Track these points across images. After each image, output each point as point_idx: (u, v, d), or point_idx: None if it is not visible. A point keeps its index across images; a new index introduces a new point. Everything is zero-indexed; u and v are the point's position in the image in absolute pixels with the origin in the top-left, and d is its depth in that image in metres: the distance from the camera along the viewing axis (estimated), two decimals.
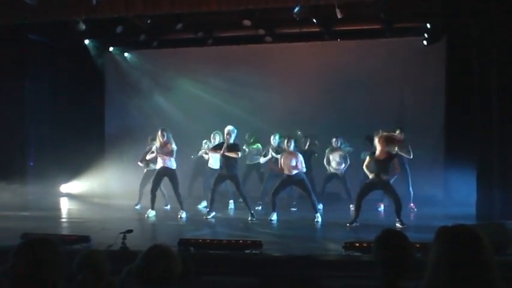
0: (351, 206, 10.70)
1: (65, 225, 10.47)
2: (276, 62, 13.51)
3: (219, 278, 6.15)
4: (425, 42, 12.72)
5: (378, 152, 9.20)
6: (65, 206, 13.01)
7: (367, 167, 9.41)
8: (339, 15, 9.71)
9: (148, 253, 2.89)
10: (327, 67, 13.26)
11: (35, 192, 13.16)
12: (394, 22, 12.16)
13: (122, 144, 13.99)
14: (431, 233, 2.33)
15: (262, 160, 11.39)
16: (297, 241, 8.58)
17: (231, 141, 10.05)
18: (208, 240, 7.47)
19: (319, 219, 9.76)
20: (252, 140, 11.92)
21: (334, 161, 11.32)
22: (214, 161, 11.14)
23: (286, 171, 9.90)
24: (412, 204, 10.87)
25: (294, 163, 9.79)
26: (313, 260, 6.93)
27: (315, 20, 11.72)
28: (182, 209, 10.35)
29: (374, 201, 10.95)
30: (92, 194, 13.73)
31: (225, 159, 10.06)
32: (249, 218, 9.97)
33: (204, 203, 11.48)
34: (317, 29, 12.59)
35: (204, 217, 10.24)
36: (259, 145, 11.82)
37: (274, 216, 9.92)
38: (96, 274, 3.41)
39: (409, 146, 10.41)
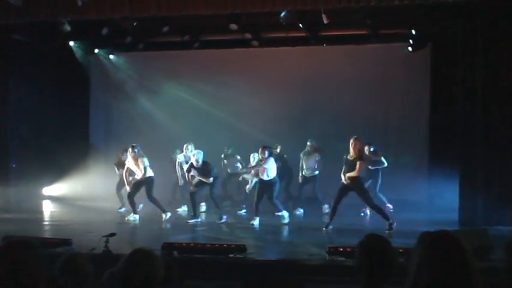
0: (325, 206, 10.99)
1: (47, 228, 10.38)
2: (262, 66, 13.52)
3: (202, 282, 6.13)
4: (410, 49, 12.82)
5: (350, 154, 9.29)
6: (48, 209, 12.89)
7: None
8: (325, 21, 9.76)
9: (131, 257, 2.86)
10: (313, 72, 13.31)
11: (18, 194, 13.01)
12: (379, 28, 12.23)
13: (106, 146, 13.91)
14: (414, 238, 2.34)
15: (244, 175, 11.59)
16: (281, 245, 8.60)
17: (200, 164, 10.24)
18: (191, 244, 7.45)
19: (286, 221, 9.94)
20: (230, 151, 12.34)
21: (307, 166, 11.35)
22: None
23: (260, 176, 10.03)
24: (388, 205, 10.94)
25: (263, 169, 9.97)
26: (296, 264, 6.94)
27: (301, 25, 11.75)
28: (164, 212, 10.40)
29: (358, 206, 10.98)
30: (75, 196, 13.62)
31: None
32: (219, 220, 10.17)
33: (184, 207, 11.51)
34: (303, 34, 12.63)
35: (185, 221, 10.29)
36: (237, 156, 12.09)
37: (256, 221, 9.94)
38: (78, 278, 3.38)
39: (381, 157, 10.98)
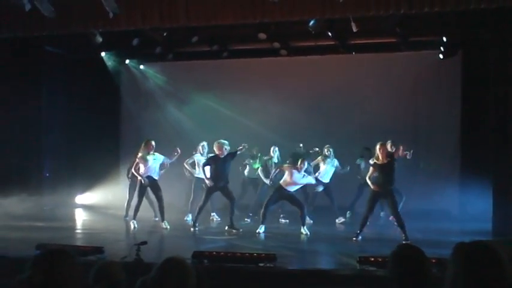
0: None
1: (79, 236, 10.52)
2: (291, 75, 13.51)
3: None
4: (441, 56, 12.64)
5: (380, 159, 9.22)
6: (80, 217, 13.08)
7: (369, 177, 9.42)
8: (354, 29, 9.71)
9: (164, 265, 2.88)
10: (342, 80, 13.25)
11: (50, 203, 13.26)
12: (409, 36, 12.12)
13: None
14: (447, 248, 2.31)
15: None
16: (311, 255, 8.55)
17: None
18: (222, 253, 7.46)
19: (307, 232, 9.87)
20: (259, 157, 12.17)
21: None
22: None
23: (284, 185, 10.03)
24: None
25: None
26: (327, 274, 6.89)
27: (330, 34, 11.73)
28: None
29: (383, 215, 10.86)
30: (106, 205, 13.78)
31: (221, 171, 10.31)
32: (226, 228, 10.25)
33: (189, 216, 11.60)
34: (332, 43, 12.59)
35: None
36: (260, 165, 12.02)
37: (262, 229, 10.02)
38: (112, 286, 3.41)
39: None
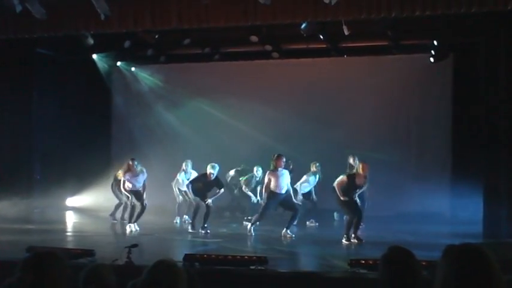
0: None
1: (70, 238, 10.47)
2: (283, 77, 13.53)
3: None
4: (432, 60, 12.70)
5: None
6: (71, 220, 13.03)
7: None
8: (346, 32, 9.76)
9: (154, 268, 2.87)
10: (334, 83, 13.27)
11: (41, 205, 13.19)
12: (401, 39, 12.19)
13: (127, 158, 13.97)
14: (437, 250, 2.32)
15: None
16: (303, 257, 8.57)
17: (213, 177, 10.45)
18: (213, 256, 7.43)
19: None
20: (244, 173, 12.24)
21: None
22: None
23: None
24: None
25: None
26: (318, 276, 6.89)
27: (322, 36, 11.76)
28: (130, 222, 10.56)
29: (380, 218, 10.88)
30: (97, 207, 13.72)
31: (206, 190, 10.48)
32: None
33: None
34: (324, 45, 12.64)
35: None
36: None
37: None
38: None
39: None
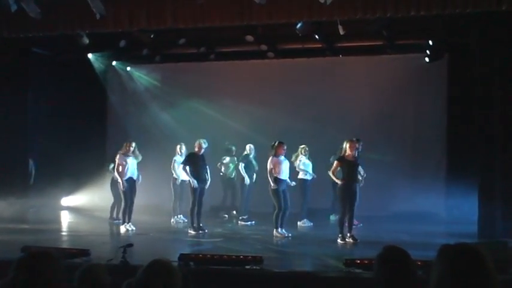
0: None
1: (65, 238, 10.45)
2: (278, 77, 13.54)
3: None
4: (427, 59, 12.73)
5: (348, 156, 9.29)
6: (66, 219, 13.00)
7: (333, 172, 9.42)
8: (341, 32, 9.76)
9: (149, 268, 2.87)
10: (329, 83, 13.29)
11: (36, 205, 13.15)
12: (396, 39, 12.21)
13: None
14: (433, 250, 2.32)
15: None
16: (298, 257, 8.57)
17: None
18: (208, 256, 7.43)
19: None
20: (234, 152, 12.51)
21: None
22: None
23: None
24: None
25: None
26: (313, 276, 6.90)
27: (317, 36, 11.78)
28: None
29: (375, 218, 10.89)
30: (92, 207, 13.70)
31: (202, 172, 10.37)
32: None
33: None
34: (319, 45, 12.65)
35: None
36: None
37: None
38: None
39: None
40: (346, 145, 9.34)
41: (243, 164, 11.57)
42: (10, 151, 12.75)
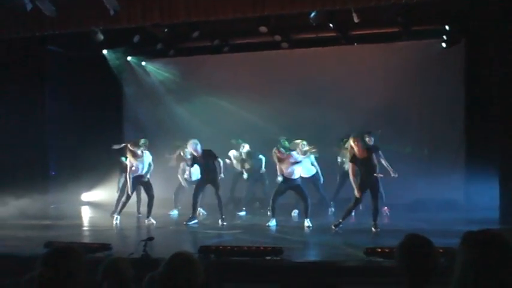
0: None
1: (86, 233, 10.55)
2: (293, 67, 13.48)
3: (239, 285, 6.15)
4: (444, 45, 12.55)
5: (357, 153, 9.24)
6: (86, 215, 13.13)
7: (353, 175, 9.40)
8: (356, 20, 9.70)
9: (172, 261, 2.89)
10: (344, 72, 13.19)
11: (57, 201, 13.31)
12: (411, 25, 12.06)
13: None
14: (453, 237, 2.31)
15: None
16: (318, 247, 8.56)
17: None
18: (228, 247, 7.47)
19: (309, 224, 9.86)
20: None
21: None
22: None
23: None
24: (385, 208, 10.96)
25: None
26: (334, 266, 6.90)
27: (331, 25, 11.70)
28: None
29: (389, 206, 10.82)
30: (112, 202, 13.77)
31: (206, 167, 10.52)
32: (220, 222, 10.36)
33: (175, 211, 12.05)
34: (334, 34, 12.56)
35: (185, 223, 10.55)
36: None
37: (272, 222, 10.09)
38: (120, 282, 3.43)
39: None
40: (350, 143, 9.33)
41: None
42: (30, 149, 12.90)
